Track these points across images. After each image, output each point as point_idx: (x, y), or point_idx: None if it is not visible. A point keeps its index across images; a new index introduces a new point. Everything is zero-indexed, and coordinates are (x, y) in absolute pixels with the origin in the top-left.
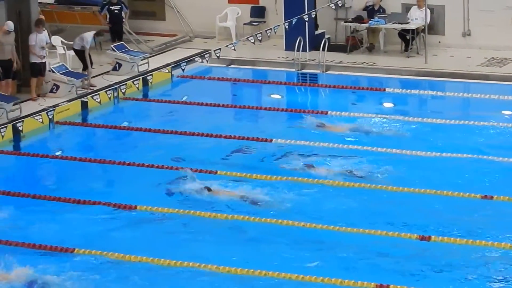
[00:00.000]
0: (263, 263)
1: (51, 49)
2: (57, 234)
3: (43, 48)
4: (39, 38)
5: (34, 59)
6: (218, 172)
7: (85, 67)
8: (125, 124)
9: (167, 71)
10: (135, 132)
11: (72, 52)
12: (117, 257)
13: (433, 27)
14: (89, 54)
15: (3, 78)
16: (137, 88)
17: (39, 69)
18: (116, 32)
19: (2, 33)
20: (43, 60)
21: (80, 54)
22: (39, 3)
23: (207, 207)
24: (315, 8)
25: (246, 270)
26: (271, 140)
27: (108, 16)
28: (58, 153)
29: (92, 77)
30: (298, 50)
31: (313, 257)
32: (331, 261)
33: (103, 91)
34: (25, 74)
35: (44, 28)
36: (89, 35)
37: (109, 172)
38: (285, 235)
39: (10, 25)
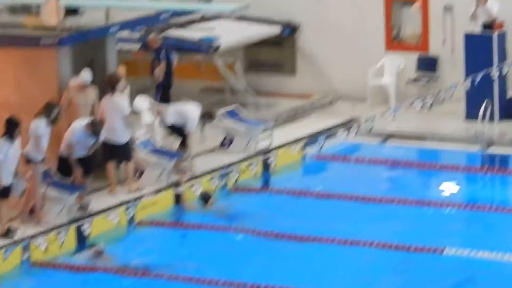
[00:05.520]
0: None
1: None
2: None
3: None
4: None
5: (119, 138)
6: None
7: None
8: (233, 226)
9: (297, 149)
10: (258, 238)
11: None
12: None
13: None
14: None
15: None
16: (254, 174)
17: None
18: None
19: (76, 89)
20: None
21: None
22: (119, 50)
23: None
24: (507, 60)
25: None
26: (442, 251)
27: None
28: (138, 270)
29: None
30: (483, 119)
31: None
32: None
33: (206, 177)
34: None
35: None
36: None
37: None
38: None
39: (86, 76)
